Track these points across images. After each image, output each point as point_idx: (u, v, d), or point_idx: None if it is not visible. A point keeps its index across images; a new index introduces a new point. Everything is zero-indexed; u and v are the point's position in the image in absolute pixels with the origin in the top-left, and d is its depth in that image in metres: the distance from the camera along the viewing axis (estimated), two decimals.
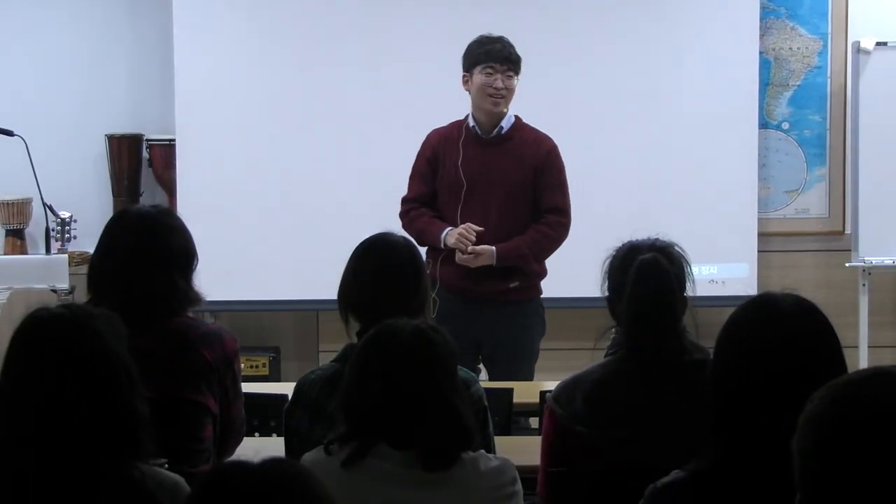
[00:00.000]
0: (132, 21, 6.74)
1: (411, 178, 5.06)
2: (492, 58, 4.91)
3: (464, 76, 4.98)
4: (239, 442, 3.27)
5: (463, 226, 4.87)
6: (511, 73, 4.91)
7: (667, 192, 6.43)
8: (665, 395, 2.86)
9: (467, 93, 4.98)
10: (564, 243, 5.03)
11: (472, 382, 3.14)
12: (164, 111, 6.57)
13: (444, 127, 5.05)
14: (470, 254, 4.85)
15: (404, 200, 5.06)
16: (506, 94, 4.91)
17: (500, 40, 4.95)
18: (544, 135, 5.01)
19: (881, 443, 1.54)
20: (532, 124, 5.07)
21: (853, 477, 1.55)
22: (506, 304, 4.95)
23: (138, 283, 3.07)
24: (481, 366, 5.03)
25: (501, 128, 4.96)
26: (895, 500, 1.52)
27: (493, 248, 4.87)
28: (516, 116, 4.99)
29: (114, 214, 3.40)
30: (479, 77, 4.92)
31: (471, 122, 4.97)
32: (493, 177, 4.92)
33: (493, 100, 4.91)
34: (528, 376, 4.93)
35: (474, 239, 4.85)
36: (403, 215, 5.00)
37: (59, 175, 6.38)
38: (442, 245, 4.89)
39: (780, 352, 2.21)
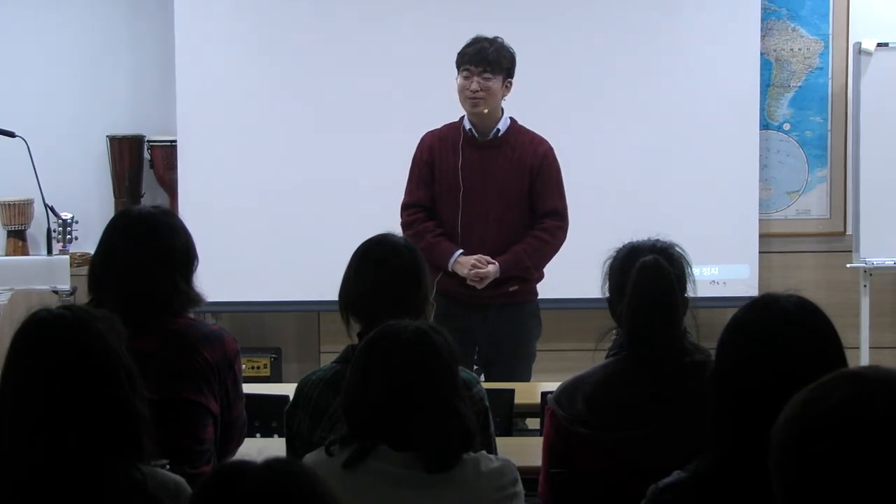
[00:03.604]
0: (133, 22, 6.74)
1: (409, 181, 5.03)
2: (466, 60, 4.90)
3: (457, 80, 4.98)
4: (240, 443, 3.27)
5: (475, 258, 4.86)
6: (489, 74, 4.87)
7: (668, 193, 6.43)
8: (666, 397, 2.86)
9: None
10: (565, 244, 5.02)
11: (474, 383, 3.13)
12: (166, 112, 6.57)
13: (438, 129, 5.03)
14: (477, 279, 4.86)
15: (404, 206, 5.02)
16: (484, 96, 4.87)
17: (479, 41, 4.91)
18: (540, 137, 4.99)
19: (840, 447, 1.54)
20: (533, 125, 5.07)
21: (821, 482, 1.55)
22: (504, 307, 4.94)
23: (139, 284, 3.07)
24: (476, 368, 5.02)
25: (498, 130, 4.94)
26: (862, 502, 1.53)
27: (497, 265, 4.86)
28: (512, 118, 4.97)
29: (114, 215, 3.39)
30: (458, 80, 4.92)
31: (466, 125, 4.95)
32: (491, 180, 4.90)
33: (471, 102, 4.89)
34: (525, 377, 4.93)
35: (484, 270, 4.86)
36: (406, 226, 4.93)
37: (60, 176, 6.39)
38: (449, 269, 4.88)
39: (782, 353, 2.21)
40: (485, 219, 4.90)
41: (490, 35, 4.98)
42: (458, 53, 4.94)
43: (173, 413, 2.97)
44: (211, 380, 3.10)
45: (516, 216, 4.93)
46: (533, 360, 5.03)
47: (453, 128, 4.99)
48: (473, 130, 4.94)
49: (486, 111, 4.89)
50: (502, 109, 4.96)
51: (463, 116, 4.98)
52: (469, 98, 4.88)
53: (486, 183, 4.90)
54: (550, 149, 4.98)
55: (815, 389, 1.61)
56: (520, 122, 5.03)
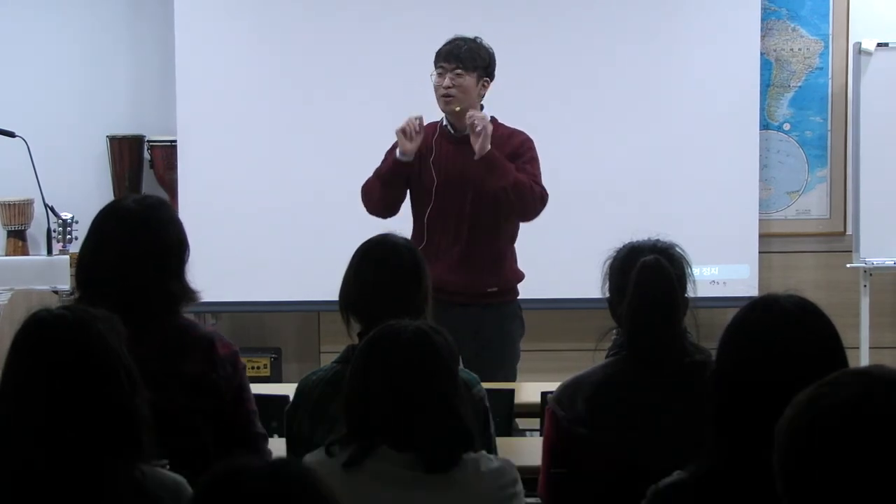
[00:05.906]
0: (133, 22, 6.74)
1: (385, 158, 5.02)
2: (440, 58, 4.90)
3: None
4: (249, 447, 3.17)
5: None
6: (461, 71, 4.85)
7: (668, 193, 6.43)
8: (666, 397, 2.86)
9: None
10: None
11: (474, 384, 3.14)
12: (166, 112, 6.57)
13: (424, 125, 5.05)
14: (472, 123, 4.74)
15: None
16: (456, 93, 4.84)
17: (455, 40, 4.90)
18: (519, 131, 4.95)
19: (847, 444, 1.54)
20: (531, 125, 5.06)
21: (826, 479, 1.55)
22: (485, 308, 4.91)
23: (132, 283, 2.99)
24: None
25: None
26: (868, 499, 1.53)
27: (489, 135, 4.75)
28: (493, 117, 4.93)
29: (103, 208, 3.17)
30: (433, 79, 4.92)
31: (444, 121, 4.95)
32: (465, 174, 4.86)
33: (443, 99, 4.88)
34: (511, 378, 4.88)
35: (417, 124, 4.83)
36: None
37: (60, 176, 6.39)
38: (399, 155, 4.84)
39: (783, 353, 2.21)
40: (458, 213, 4.85)
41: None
42: (435, 53, 4.94)
43: (170, 416, 2.94)
44: (209, 381, 3.09)
45: (489, 213, 4.84)
46: (517, 361, 4.98)
47: (434, 125, 4.98)
48: (450, 127, 4.93)
49: (458, 109, 4.86)
50: (482, 107, 4.93)
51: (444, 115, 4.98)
52: (442, 95, 4.88)
53: (460, 177, 4.86)
54: (529, 138, 4.92)
55: (821, 387, 1.61)
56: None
